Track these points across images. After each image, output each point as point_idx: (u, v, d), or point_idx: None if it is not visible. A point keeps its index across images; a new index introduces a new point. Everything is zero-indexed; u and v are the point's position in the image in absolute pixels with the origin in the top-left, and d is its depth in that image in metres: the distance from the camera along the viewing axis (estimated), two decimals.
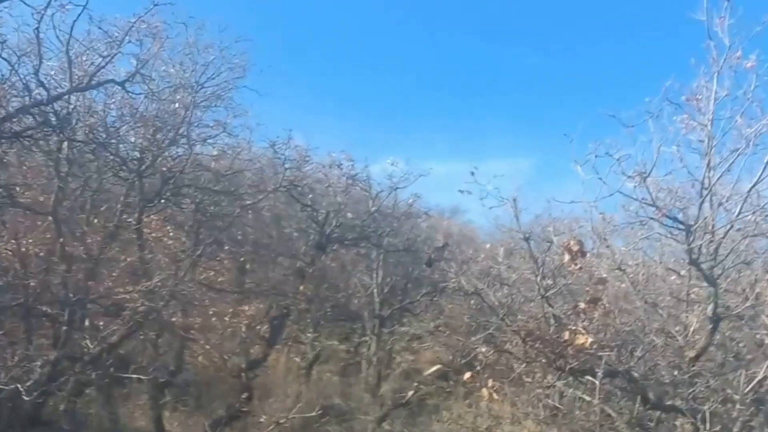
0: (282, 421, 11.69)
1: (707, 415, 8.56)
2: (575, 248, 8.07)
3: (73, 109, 12.90)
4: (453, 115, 58.56)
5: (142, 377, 12.38)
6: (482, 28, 62.14)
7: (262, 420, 12.32)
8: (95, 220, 13.19)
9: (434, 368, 16.03)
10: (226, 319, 12.94)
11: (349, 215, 17.65)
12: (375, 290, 18.01)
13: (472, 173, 8.97)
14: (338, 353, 20.10)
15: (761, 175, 8.29)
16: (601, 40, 58.69)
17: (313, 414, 12.53)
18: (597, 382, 9.01)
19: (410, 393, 16.46)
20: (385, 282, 18.48)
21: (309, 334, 17.68)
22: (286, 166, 16.11)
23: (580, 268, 8.43)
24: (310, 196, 17.45)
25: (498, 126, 56.92)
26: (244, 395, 13.96)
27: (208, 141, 14.42)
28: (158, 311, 11.98)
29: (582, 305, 8.73)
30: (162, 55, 13.36)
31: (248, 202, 14.80)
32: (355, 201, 18.66)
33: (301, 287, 14.95)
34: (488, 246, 15.45)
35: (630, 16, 56.69)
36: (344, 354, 20.20)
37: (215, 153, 14.64)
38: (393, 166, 17.99)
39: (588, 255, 9.88)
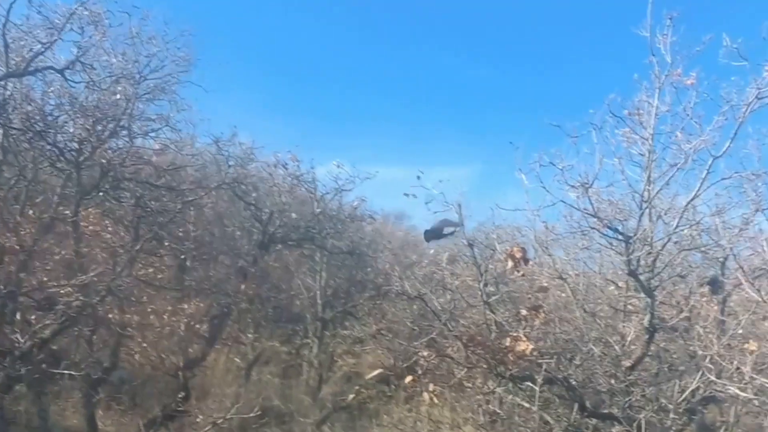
0: (219, 421, 11.45)
1: (642, 423, 8.74)
2: (518, 255, 8.17)
3: (9, 96, 12.44)
4: (400, 121, 58.83)
5: (74, 374, 11.99)
6: (431, 37, 62.62)
7: (198, 420, 12.06)
8: (30, 212, 12.72)
9: (376, 372, 16.02)
10: (165, 317, 12.64)
11: (294, 216, 17.49)
12: (318, 292, 17.89)
13: (418, 177, 9.00)
14: (279, 355, 19.88)
15: (698, 190, 8.55)
16: (550, 53, 59.78)
17: (252, 415, 12.31)
18: (536, 389, 9.12)
19: (351, 396, 16.40)
20: (329, 284, 18.38)
21: (250, 335, 17.46)
22: (230, 163, 15.92)
23: (523, 275, 8.54)
24: (254, 194, 17.23)
25: (445, 134, 57.43)
26: (181, 395, 13.68)
27: (150, 134, 14.03)
28: (93, 306, 11.64)
29: (523, 312, 8.84)
30: (104, 45, 12.96)
31: (190, 198, 14.48)
32: (300, 202, 18.53)
33: (243, 286, 14.72)
34: (432, 251, 15.51)
35: (578, 29, 57.96)
36: (285, 356, 20.00)
37: (157, 147, 14.26)
38: (339, 168, 17.97)
39: (530, 263, 10.00)
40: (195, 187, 14.61)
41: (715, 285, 10.47)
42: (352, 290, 19.06)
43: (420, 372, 9.80)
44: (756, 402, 8.50)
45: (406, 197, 9.12)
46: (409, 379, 9.62)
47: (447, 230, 10.07)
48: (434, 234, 10.34)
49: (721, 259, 10.79)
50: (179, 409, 13.37)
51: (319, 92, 57.25)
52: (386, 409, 17.04)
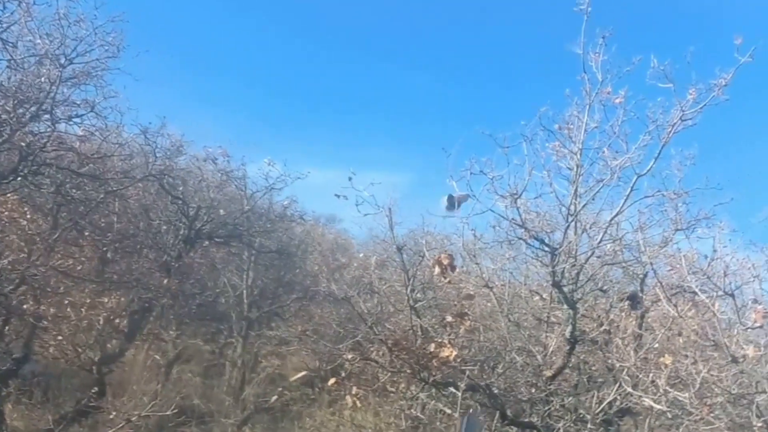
0: (134, 418, 11.09)
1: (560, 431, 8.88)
2: (445, 262, 8.21)
3: None
4: (335, 126, 58.86)
5: None
6: (370, 45, 62.92)
7: (112, 416, 11.64)
8: None
9: (300, 374, 15.81)
10: (83, 309, 12.15)
11: (222, 212, 17.13)
12: (244, 291, 17.57)
13: (350, 178, 8.93)
14: (202, 353, 19.48)
15: (622, 206, 8.80)
16: (487, 64, 60.84)
17: (168, 412, 11.97)
18: (459, 395, 9.17)
19: (274, 398, 16.19)
20: (256, 284, 18.09)
21: (172, 332, 17.03)
22: (158, 154, 15.43)
23: (449, 281, 8.59)
24: (182, 188, 16.77)
25: (380, 140, 57.70)
26: (95, 390, 13.18)
27: (74, 120, 13.41)
28: (6, 295, 11.13)
29: (449, 318, 8.89)
30: (28, 24, 12.38)
31: (115, 188, 13.97)
32: (229, 199, 18.19)
33: (166, 281, 14.32)
34: (361, 255, 15.54)
35: (515, 41, 59.20)
36: (208, 355, 19.61)
37: (81, 133, 13.68)
38: (270, 166, 17.68)
39: (458, 270, 10.08)
40: (120, 177, 14.10)
41: (634, 300, 10.73)
42: (279, 291, 18.81)
43: (344, 375, 9.74)
44: (669, 414, 8.74)
45: (337, 198, 9.04)
46: (332, 381, 9.52)
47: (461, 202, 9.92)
48: (453, 203, 10.18)
49: (641, 276, 11.10)
50: (92, 404, 12.89)
51: (254, 92, 56.72)
52: (309, 412, 16.92)
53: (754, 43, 7.81)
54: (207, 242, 17.32)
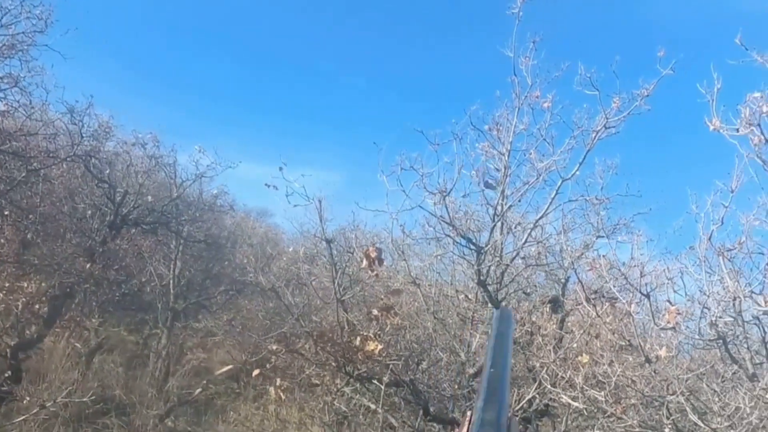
0: (48, 404, 10.76)
1: None
2: (373, 255, 8.29)
3: None
4: (270, 120, 58.18)
5: None
6: (302, 40, 62.59)
7: (25, 402, 11.26)
8: None
9: (226, 368, 15.67)
10: (1, 294, 11.74)
11: (150, 199, 16.77)
12: (171, 281, 17.22)
13: (281, 168, 8.91)
14: (126, 344, 19.02)
15: (547, 209, 9.07)
16: (423, 61, 61.22)
17: (87, 401, 11.67)
18: (381, 388, 9.28)
19: (198, 390, 15.95)
20: (183, 274, 17.75)
21: (94, 320, 16.56)
22: (84, 135, 14.91)
23: (377, 275, 8.68)
24: (108, 172, 16.32)
25: (315, 137, 57.39)
26: (8, 375, 12.70)
27: None
28: None
29: (375, 313, 8.98)
30: None
31: (38, 167, 13.47)
32: (158, 185, 17.80)
33: (88, 266, 13.91)
34: (291, 249, 15.49)
35: (450, 39, 59.85)
36: (132, 345, 19.17)
37: (3, 108, 13.17)
38: (200, 153, 17.35)
39: (386, 264, 10.19)
40: (44, 157, 13.61)
41: (555, 304, 11.04)
42: (207, 283, 18.53)
43: (269, 367, 9.72)
44: (585, 412, 9.02)
45: (267, 188, 9.01)
46: (256, 372, 9.50)
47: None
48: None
49: (563, 280, 11.43)
50: (3, 388, 12.43)
51: (187, 79, 55.46)
52: (234, 406, 16.75)
53: (677, 56, 8.20)
54: (134, 229, 16.91)
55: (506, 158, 9.03)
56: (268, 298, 15.07)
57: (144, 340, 18.94)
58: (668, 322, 7.89)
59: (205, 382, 16.32)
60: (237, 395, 17.10)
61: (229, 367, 15.55)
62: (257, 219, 24.78)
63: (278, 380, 9.66)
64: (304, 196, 8.82)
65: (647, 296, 7.78)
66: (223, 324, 17.12)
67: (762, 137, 6.09)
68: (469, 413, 1.14)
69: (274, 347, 9.51)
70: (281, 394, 9.89)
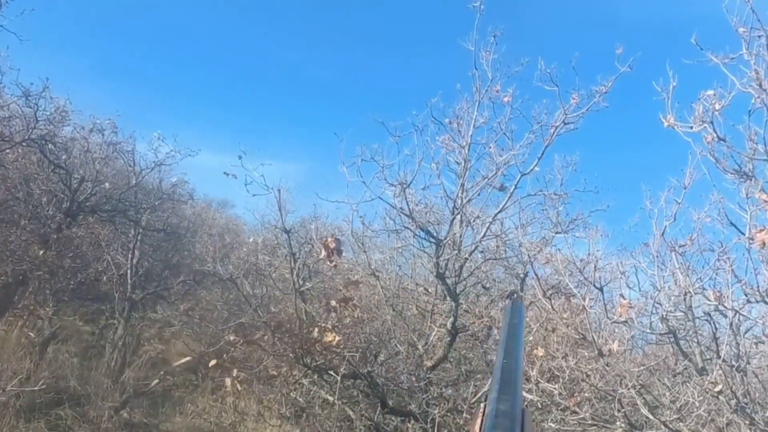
0: None
1: (436, 420, 9.11)
2: (332, 245, 8.26)
3: None
4: (233, 110, 57.70)
5: None
6: (271, 30, 62.18)
7: None
8: None
9: (184, 360, 15.45)
10: None
11: (107, 186, 16.43)
12: (129, 271, 16.92)
13: (240, 157, 8.82)
14: (81, 333, 18.64)
15: (505, 203, 9.16)
16: (385, 53, 61.30)
17: (37, 389, 11.45)
18: (338, 379, 9.26)
19: (155, 382, 15.71)
20: (141, 264, 17.42)
21: (48, 308, 16.20)
22: (40, 119, 14.52)
23: (335, 265, 8.65)
24: (65, 157, 15.95)
25: (277, 129, 57.11)
26: None
27: None
28: None
29: (333, 304, 8.96)
30: None
31: None
32: (116, 172, 17.43)
33: (42, 252, 13.60)
34: (251, 240, 15.38)
35: (415, 34, 60.07)
36: (88, 335, 18.80)
37: None
38: (159, 140, 17.02)
39: (346, 257, 10.19)
40: None
41: (514, 298, 11.16)
42: (166, 273, 18.25)
43: (225, 357, 9.65)
44: (539, 405, 9.13)
45: (226, 176, 8.90)
46: (212, 363, 9.41)
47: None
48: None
49: (521, 275, 11.56)
50: None
51: (149, 66, 54.64)
52: (192, 398, 16.55)
53: (635, 54, 8.32)
54: (91, 217, 16.56)
55: (466, 151, 9.09)
56: (228, 289, 14.93)
57: (100, 331, 18.59)
58: (620, 316, 8.02)
59: (162, 373, 16.05)
60: (195, 387, 16.90)
61: (187, 358, 15.35)
62: (218, 210, 24.57)
63: (235, 371, 9.60)
64: (263, 186, 8.75)
65: (601, 290, 7.89)
66: (181, 315, 16.86)
67: (714, 135, 6.21)
68: (482, 405, 1.15)
69: (232, 338, 9.43)
70: (238, 385, 9.82)
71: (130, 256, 16.86)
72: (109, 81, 46.07)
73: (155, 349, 18.13)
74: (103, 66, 49.15)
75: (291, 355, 9.25)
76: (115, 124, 16.73)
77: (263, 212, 17.40)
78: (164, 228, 17.92)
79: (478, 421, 1.17)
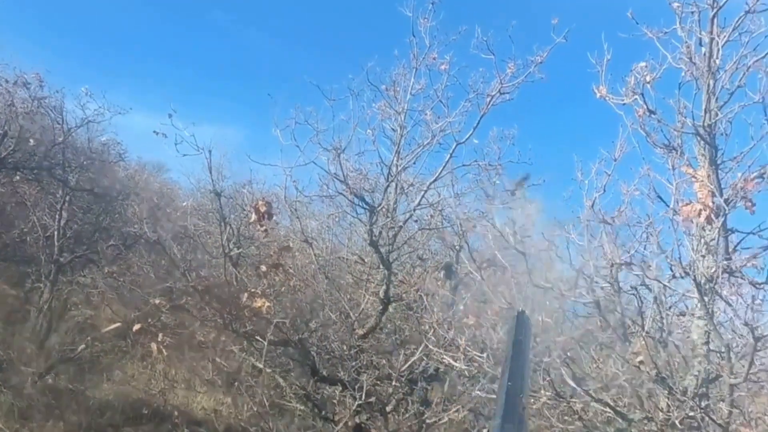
0: None
1: (364, 386, 9.07)
2: (262, 209, 8.09)
3: None
4: (164, 72, 56.26)
5: None
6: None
7: None
8: None
9: (113, 326, 15.05)
10: None
11: (32, 142, 15.71)
12: (56, 233, 16.28)
13: (170, 116, 8.52)
14: (5, 297, 17.97)
15: (440, 172, 9.11)
16: (323, 15, 60.52)
17: None
18: (264, 345, 9.12)
19: (81, 348, 15.31)
20: (69, 226, 16.80)
21: None
22: None
23: (266, 230, 8.49)
24: None
25: (212, 91, 55.94)
26: None
27: None
28: None
29: (263, 269, 8.81)
30: None
31: None
32: (42, 129, 16.65)
33: None
34: (185, 204, 15.00)
35: None
36: (12, 299, 18.14)
37: None
38: (88, 96, 16.27)
39: (282, 225, 10.03)
40: None
41: (449, 270, 11.20)
42: (96, 236, 17.67)
43: (150, 321, 9.41)
44: (467, 374, 9.19)
45: (156, 135, 8.61)
46: (137, 327, 9.16)
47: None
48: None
49: (457, 247, 11.59)
50: None
51: (74, 27, 52.58)
52: (120, 365, 16.21)
53: (570, 25, 8.30)
54: (16, 176, 15.86)
55: (402, 118, 9.00)
56: (160, 254, 14.56)
57: (25, 294, 17.94)
58: (547, 282, 8.10)
59: (89, 339, 15.65)
60: (124, 354, 16.53)
61: (117, 324, 14.95)
62: (152, 173, 23.87)
63: (161, 336, 9.38)
64: (194, 146, 8.48)
65: (523, 254, 7.90)
66: (111, 280, 16.40)
67: (645, 107, 6.26)
68: (486, 428, 1.06)
69: (158, 302, 9.18)
70: (164, 350, 9.61)
71: (57, 217, 16.21)
72: (33, 36, 44.25)
73: (83, 315, 17.66)
74: (26, 17, 47.11)
75: (219, 320, 9.07)
76: (41, 77, 15.95)
77: (199, 177, 16.98)
78: (94, 189, 17.24)
79: None
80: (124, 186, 18.59)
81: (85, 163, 16.59)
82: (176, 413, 13.41)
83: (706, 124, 6.63)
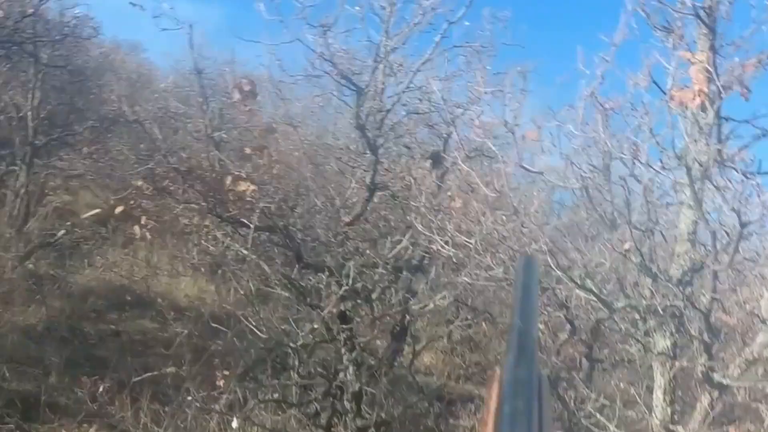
0: None
1: (351, 273, 9.05)
2: (246, 88, 7.77)
3: None
4: None
5: None
6: None
7: None
8: None
9: (93, 212, 14.85)
10: None
11: (0, 13, 14.88)
12: (30, 114, 15.72)
13: None
14: None
15: (431, 54, 8.74)
16: None
17: None
18: (251, 231, 9.02)
19: (62, 233, 15.12)
20: (43, 107, 16.21)
21: None
22: None
23: (250, 110, 8.20)
24: None
25: None
26: None
27: None
28: None
29: (248, 151, 8.57)
30: None
31: None
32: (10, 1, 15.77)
33: None
34: (162, 86, 14.53)
35: None
36: None
37: None
38: None
39: (263, 108, 9.72)
40: None
41: (436, 159, 11.05)
42: (72, 118, 17.12)
43: (133, 204, 9.23)
44: (454, 260, 9.18)
45: (133, 6, 8.11)
46: (119, 209, 8.98)
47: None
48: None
49: (445, 136, 11.38)
50: None
51: None
52: (101, 251, 16.08)
53: None
54: None
55: None
56: (139, 137, 14.19)
57: (0, 178, 17.58)
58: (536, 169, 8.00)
59: (69, 224, 15.48)
60: (105, 240, 16.37)
61: (97, 210, 14.77)
62: (129, 53, 22.88)
63: (144, 219, 9.23)
64: (174, 20, 8.01)
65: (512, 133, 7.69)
66: (89, 163, 16.04)
67: None
68: (497, 369, 0.95)
69: (140, 183, 8.96)
70: (147, 233, 9.48)
71: (30, 96, 15.60)
72: None
73: (61, 200, 17.40)
74: None
75: (203, 203, 8.90)
76: None
77: (178, 57, 16.31)
78: (67, 66, 16.53)
79: (495, 386, 0.99)
80: (99, 64, 17.87)
81: (57, 38, 15.79)
82: (160, 300, 13.44)
83: (707, 6, 6.37)
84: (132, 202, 9.25)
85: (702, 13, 6.26)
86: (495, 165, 9.63)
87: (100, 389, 8.82)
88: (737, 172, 6.61)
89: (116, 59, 19.94)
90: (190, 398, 8.69)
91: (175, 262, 15.29)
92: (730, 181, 6.55)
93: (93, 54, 18.23)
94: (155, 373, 9.51)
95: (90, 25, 16.73)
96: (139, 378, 9.04)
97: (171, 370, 9.88)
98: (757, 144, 6.64)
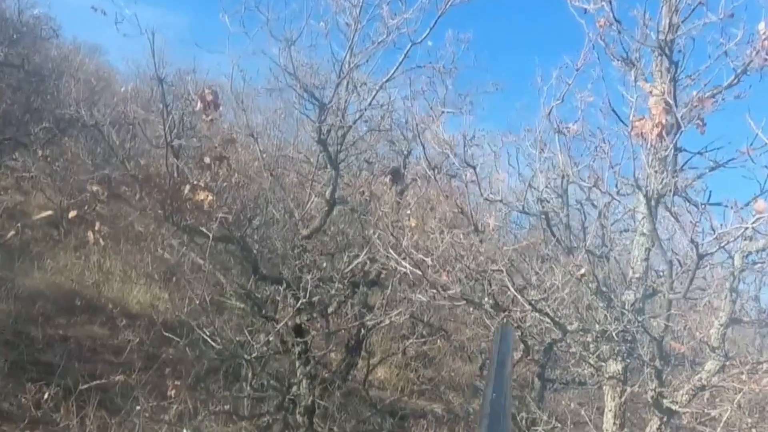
0: None
1: (308, 286, 9.01)
2: (209, 98, 7.72)
3: None
4: None
5: None
6: None
7: None
8: None
9: (45, 213, 14.54)
10: None
11: None
12: None
13: None
14: None
15: (394, 72, 8.80)
16: None
17: None
18: (209, 240, 8.93)
19: (11, 234, 14.73)
20: None
21: None
22: None
23: (212, 120, 8.14)
24: None
25: None
26: None
27: None
28: None
29: (207, 160, 8.50)
30: None
31: None
32: None
33: None
34: (123, 89, 14.32)
35: None
36: None
37: None
38: None
39: (228, 120, 9.66)
40: None
41: (396, 175, 11.10)
42: (27, 118, 16.71)
43: (87, 209, 9.06)
44: (410, 276, 9.21)
45: (94, 12, 7.99)
46: (73, 214, 8.81)
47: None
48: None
49: (405, 152, 11.46)
50: None
51: None
52: (52, 254, 15.72)
53: None
54: None
55: (357, 12, 8.53)
56: (95, 140, 13.95)
57: None
58: (498, 193, 8.09)
59: (19, 225, 15.09)
60: (56, 243, 16.02)
61: (49, 212, 14.47)
62: (88, 55, 22.46)
63: (98, 225, 9.06)
64: (136, 26, 7.92)
65: (474, 169, 7.84)
66: (44, 164, 15.68)
67: (610, 14, 6.11)
68: None
69: (95, 188, 8.81)
70: (101, 240, 9.32)
71: None
72: None
73: (12, 200, 16.96)
74: None
75: (159, 211, 8.78)
76: None
77: (139, 62, 16.12)
78: (23, 65, 16.18)
79: None
80: (57, 65, 17.51)
81: (15, 36, 15.45)
82: (111, 306, 13.17)
83: (668, 39, 6.56)
84: (86, 206, 9.07)
85: (665, 46, 6.46)
86: (454, 183, 9.74)
87: (46, 395, 8.64)
88: (689, 202, 6.81)
89: (75, 61, 19.56)
90: (139, 407, 8.56)
91: (128, 268, 14.98)
92: (687, 211, 6.73)
93: (51, 54, 17.89)
94: (104, 380, 9.34)
95: (50, 26, 16.45)
96: (87, 385, 8.81)
97: (120, 377, 9.66)
98: (711, 175, 6.88)
